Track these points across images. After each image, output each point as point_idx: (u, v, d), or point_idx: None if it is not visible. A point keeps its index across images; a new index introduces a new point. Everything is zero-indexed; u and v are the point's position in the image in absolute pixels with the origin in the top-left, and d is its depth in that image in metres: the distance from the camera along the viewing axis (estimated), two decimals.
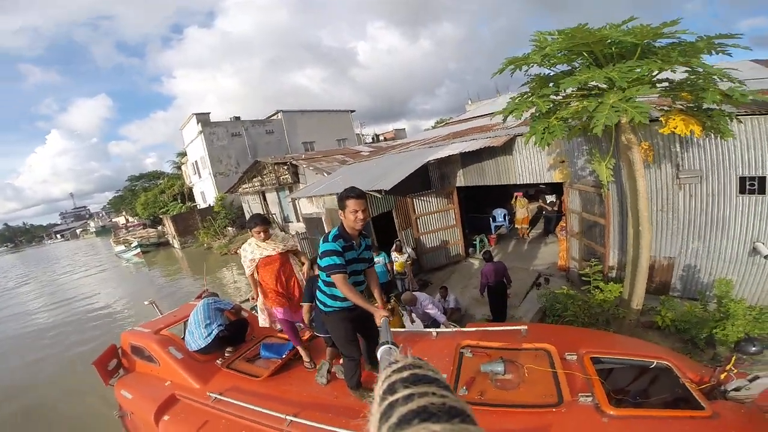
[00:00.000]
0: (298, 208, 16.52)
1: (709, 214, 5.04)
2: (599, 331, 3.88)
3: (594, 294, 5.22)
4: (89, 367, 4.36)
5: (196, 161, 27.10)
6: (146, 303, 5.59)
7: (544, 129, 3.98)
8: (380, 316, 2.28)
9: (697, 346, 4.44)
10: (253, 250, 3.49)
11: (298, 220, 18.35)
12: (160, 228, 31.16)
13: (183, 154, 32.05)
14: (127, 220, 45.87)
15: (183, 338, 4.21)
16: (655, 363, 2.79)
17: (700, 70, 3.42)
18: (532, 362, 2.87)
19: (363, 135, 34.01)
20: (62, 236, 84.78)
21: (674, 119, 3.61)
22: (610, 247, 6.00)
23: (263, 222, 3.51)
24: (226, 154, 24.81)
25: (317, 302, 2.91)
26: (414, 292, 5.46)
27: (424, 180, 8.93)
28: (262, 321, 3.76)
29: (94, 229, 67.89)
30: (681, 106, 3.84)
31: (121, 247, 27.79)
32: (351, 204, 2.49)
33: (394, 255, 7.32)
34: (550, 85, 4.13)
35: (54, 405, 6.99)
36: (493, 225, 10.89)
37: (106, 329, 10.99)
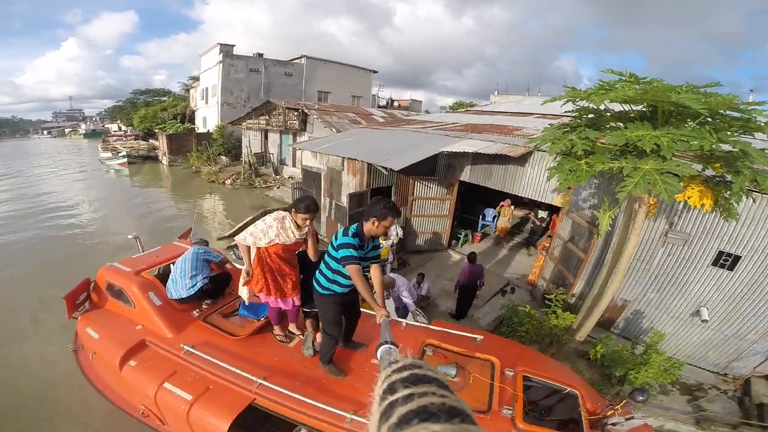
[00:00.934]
0: (298, 156, 16.41)
1: (677, 274, 5.40)
2: (537, 353, 4.34)
3: (549, 318, 5.62)
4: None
5: (207, 87, 26.67)
6: (130, 237, 5.32)
7: (570, 170, 3.91)
8: (381, 315, 2.49)
9: (610, 381, 5.08)
10: (279, 232, 3.13)
11: (294, 166, 18.33)
12: (151, 142, 30.50)
13: (196, 79, 31.39)
14: (120, 128, 44.75)
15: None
16: (567, 390, 3.34)
17: (752, 157, 3.30)
18: (479, 371, 3.32)
19: (379, 97, 33.21)
20: (49, 133, 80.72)
21: (693, 189, 3.64)
22: (580, 278, 6.36)
23: (315, 209, 3.16)
24: (239, 87, 24.36)
25: (314, 282, 3.06)
26: (393, 275, 5.68)
27: (431, 165, 8.97)
28: (245, 295, 3.56)
29: (84, 131, 65.03)
30: (703, 176, 3.82)
31: (108, 154, 27.23)
32: (389, 221, 2.70)
33: (392, 232, 7.42)
34: (594, 126, 4.04)
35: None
36: (480, 223, 11.16)
37: (74, 247, 10.56)
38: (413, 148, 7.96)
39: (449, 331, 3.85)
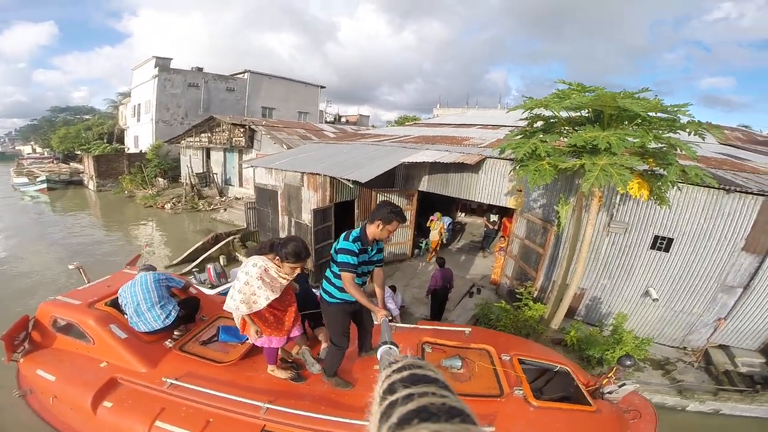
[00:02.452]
0: (249, 175, 15.75)
1: (622, 260, 6.10)
2: (522, 339, 4.61)
3: (523, 310, 5.97)
4: None
5: (139, 104, 24.65)
6: (71, 267, 4.85)
7: (535, 170, 4.34)
8: (381, 315, 2.48)
9: (589, 363, 5.48)
10: (270, 289, 2.75)
11: (241, 185, 17.55)
12: (73, 165, 27.32)
13: (126, 95, 29.00)
14: (34, 150, 39.89)
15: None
16: (558, 367, 3.59)
17: (679, 150, 3.97)
18: (478, 359, 3.47)
19: (326, 113, 33.23)
20: None
21: (633, 182, 4.17)
22: (541, 272, 6.85)
23: (307, 255, 2.78)
24: (176, 103, 22.83)
25: (321, 291, 3.00)
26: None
27: (390, 177, 9.16)
28: (253, 338, 3.06)
29: None
30: (639, 170, 4.43)
31: (23, 179, 23.72)
32: (394, 225, 2.72)
33: None
34: (550, 131, 4.52)
35: None
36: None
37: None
38: (374, 161, 8.08)
39: (439, 327, 3.99)
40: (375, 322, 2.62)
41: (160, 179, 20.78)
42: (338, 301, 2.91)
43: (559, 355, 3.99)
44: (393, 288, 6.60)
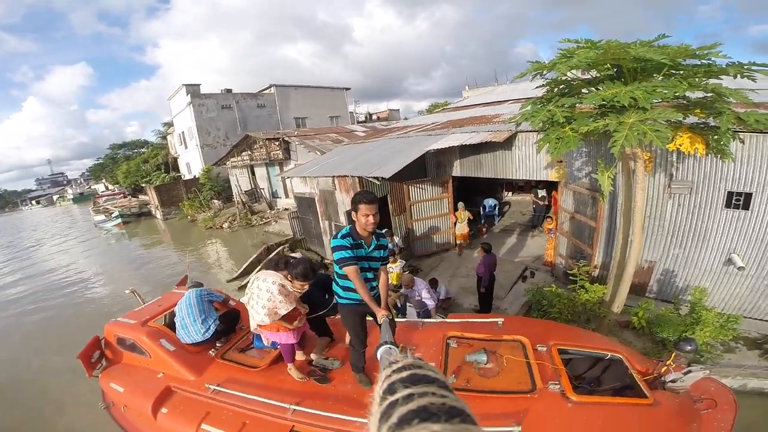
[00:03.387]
0: (288, 186, 16.35)
1: (693, 225, 5.27)
2: (563, 325, 4.21)
3: (579, 293, 5.45)
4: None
5: (182, 132, 26.33)
6: (127, 292, 5.41)
7: (558, 138, 3.95)
8: (381, 316, 2.44)
9: (666, 348, 4.75)
10: (289, 299, 3.12)
11: (287, 196, 18.21)
12: (141, 197, 30.30)
13: (169, 124, 31.14)
14: (107, 188, 44.57)
15: (172, 329, 4.11)
16: (609, 355, 3.21)
17: (726, 96, 3.39)
18: (509, 353, 3.19)
19: (356, 113, 33.42)
20: (38, 202, 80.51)
21: (682, 136, 3.65)
22: (597, 248, 6.22)
23: (314, 275, 3.15)
24: (215, 126, 24.12)
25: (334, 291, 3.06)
26: (412, 275, 5.60)
27: (420, 167, 8.94)
28: (265, 342, 3.62)
29: (72, 196, 65.02)
30: (687, 124, 3.87)
31: (101, 217, 26.79)
32: (363, 208, 2.61)
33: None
34: (568, 94, 4.08)
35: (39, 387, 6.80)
36: (482, 214, 11.07)
37: (91, 314, 10.44)
38: (399, 154, 7.91)
39: (468, 320, 3.79)
40: (377, 323, 2.56)
41: (216, 201, 22.25)
42: (346, 301, 2.92)
43: (611, 340, 3.59)
44: (434, 282, 6.41)
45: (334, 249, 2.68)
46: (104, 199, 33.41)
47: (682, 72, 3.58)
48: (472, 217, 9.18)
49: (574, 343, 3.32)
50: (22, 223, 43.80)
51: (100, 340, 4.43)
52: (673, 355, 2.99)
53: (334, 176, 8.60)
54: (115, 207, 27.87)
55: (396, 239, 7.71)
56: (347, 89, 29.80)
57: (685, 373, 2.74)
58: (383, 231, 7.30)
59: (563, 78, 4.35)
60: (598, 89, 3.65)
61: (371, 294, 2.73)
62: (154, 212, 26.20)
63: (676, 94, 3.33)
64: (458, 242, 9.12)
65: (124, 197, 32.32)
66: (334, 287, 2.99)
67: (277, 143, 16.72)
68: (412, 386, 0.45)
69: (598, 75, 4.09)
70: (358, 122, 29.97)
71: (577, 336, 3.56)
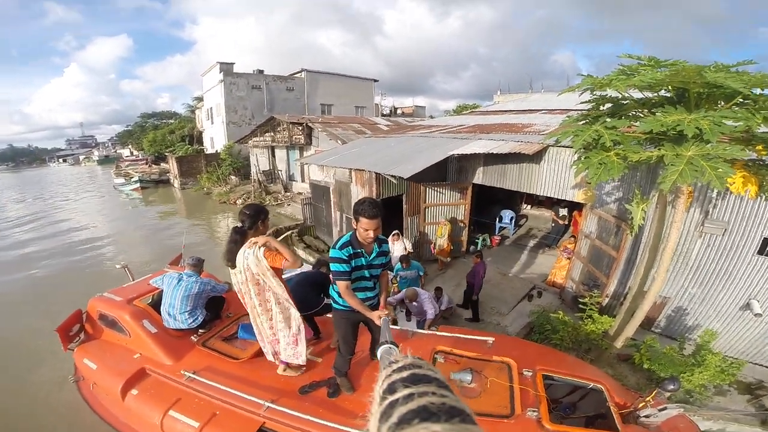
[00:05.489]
0: (306, 171, 16.37)
1: (719, 266, 4.99)
2: (554, 350, 4.13)
3: (586, 323, 5.24)
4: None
5: (211, 107, 26.93)
6: (118, 267, 5.21)
7: (600, 162, 3.62)
8: (379, 316, 2.40)
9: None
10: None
11: (303, 181, 18.26)
12: (162, 165, 31.01)
13: (199, 99, 31.90)
14: (132, 153, 45.98)
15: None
16: (591, 385, 3.21)
17: None
18: (494, 374, 3.18)
19: (382, 106, 33.21)
20: (64, 161, 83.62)
21: (735, 176, 3.32)
22: (614, 278, 5.97)
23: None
24: (243, 105, 24.45)
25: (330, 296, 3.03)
26: (416, 289, 5.52)
27: (441, 170, 8.72)
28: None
29: (97, 158, 67.47)
30: (743, 161, 3.53)
31: (121, 180, 27.79)
32: (363, 222, 2.50)
33: (397, 251, 6.88)
34: (618, 114, 3.75)
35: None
36: (498, 225, 10.82)
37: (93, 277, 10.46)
38: (421, 154, 7.74)
39: (458, 335, 3.70)
40: (377, 322, 2.51)
41: (233, 177, 22.62)
42: (340, 307, 2.87)
43: (598, 371, 3.57)
44: (439, 290, 6.27)
45: (332, 260, 2.64)
46: (127, 164, 34.40)
47: (755, 101, 3.25)
48: (451, 232, 8.50)
49: (561, 370, 3.31)
50: (47, 179, 45.59)
51: (82, 314, 4.29)
52: (654, 392, 2.96)
53: (351, 168, 8.49)
54: (136, 172, 28.67)
55: (406, 242, 7.56)
56: (375, 81, 29.62)
57: (660, 410, 2.75)
58: (393, 233, 7.13)
59: (611, 95, 4.01)
60: (652, 112, 3.36)
61: (369, 303, 2.70)
62: (172, 181, 26.76)
63: (748, 127, 3.00)
64: (439, 258, 8.45)
65: (146, 164, 33.18)
66: (331, 291, 2.94)
67: (300, 128, 16.74)
68: (412, 386, 0.45)
69: (652, 96, 3.73)
70: (383, 115, 29.78)
71: (565, 363, 3.54)
